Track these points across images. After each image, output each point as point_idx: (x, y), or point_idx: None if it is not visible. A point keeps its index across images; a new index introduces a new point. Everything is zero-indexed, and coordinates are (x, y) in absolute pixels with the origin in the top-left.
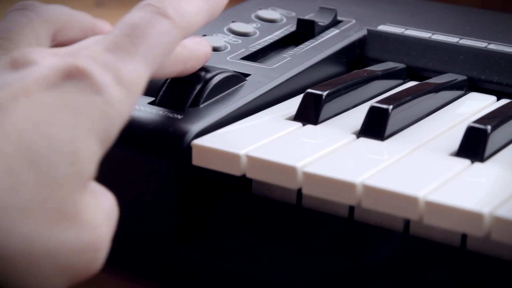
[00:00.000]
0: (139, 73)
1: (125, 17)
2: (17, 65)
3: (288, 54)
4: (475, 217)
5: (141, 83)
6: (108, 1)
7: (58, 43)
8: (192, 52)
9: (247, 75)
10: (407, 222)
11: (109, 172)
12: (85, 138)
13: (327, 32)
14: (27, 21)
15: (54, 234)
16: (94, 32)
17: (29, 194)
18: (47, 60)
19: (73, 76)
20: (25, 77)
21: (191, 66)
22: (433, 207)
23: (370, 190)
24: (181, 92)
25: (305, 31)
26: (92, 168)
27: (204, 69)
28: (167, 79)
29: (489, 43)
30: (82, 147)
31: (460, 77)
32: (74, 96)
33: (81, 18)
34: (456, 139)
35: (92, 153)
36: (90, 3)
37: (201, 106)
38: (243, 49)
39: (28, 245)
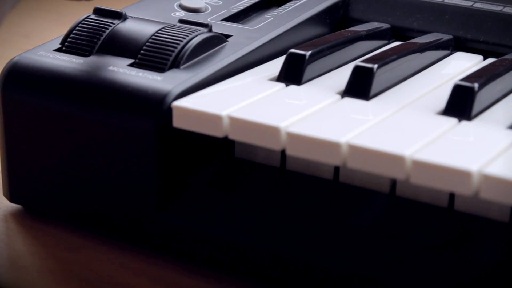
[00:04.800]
0: None
1: None
2: None
3: (270, 15)
4: (463, 175)
5: None
6: None
7: None
8: None
9: (229, 36)
10: (393, 184)
11: (89, 135)
12: None
13: None
14: None
15: None
16: None
17: None
18: None
19: None
20: None
21: None
22: (420, 165)
23: (355, 150)
24: (161, 53)
25: None
26: None
27: (184, 29)
28: (145, 40)
29: (474, 2)
30: None
31: (446, 37)
32: None
33: None
34: (442, 98)
35: None
36: None
37: (182, 67)
38: (224, 10)
39: None
